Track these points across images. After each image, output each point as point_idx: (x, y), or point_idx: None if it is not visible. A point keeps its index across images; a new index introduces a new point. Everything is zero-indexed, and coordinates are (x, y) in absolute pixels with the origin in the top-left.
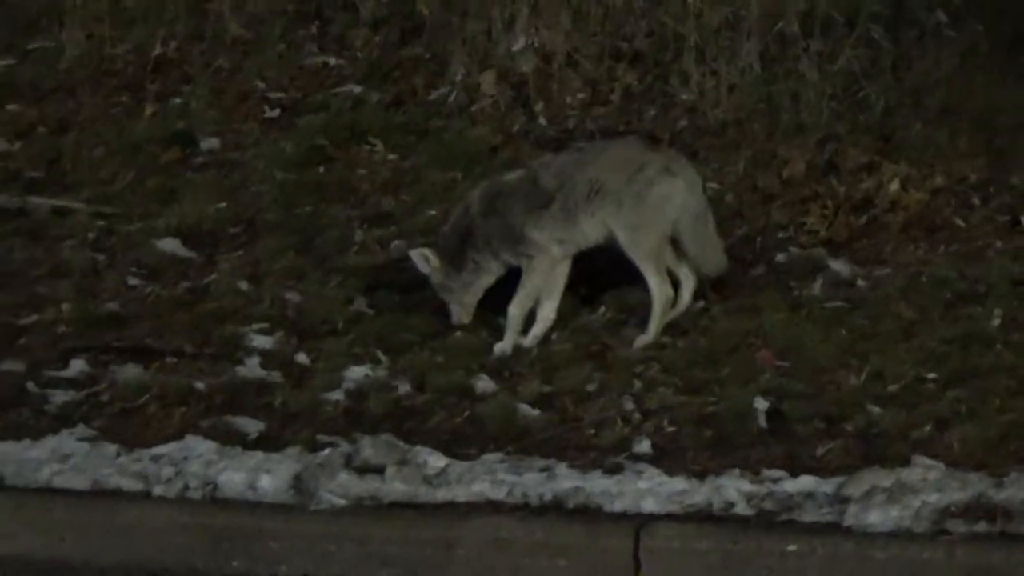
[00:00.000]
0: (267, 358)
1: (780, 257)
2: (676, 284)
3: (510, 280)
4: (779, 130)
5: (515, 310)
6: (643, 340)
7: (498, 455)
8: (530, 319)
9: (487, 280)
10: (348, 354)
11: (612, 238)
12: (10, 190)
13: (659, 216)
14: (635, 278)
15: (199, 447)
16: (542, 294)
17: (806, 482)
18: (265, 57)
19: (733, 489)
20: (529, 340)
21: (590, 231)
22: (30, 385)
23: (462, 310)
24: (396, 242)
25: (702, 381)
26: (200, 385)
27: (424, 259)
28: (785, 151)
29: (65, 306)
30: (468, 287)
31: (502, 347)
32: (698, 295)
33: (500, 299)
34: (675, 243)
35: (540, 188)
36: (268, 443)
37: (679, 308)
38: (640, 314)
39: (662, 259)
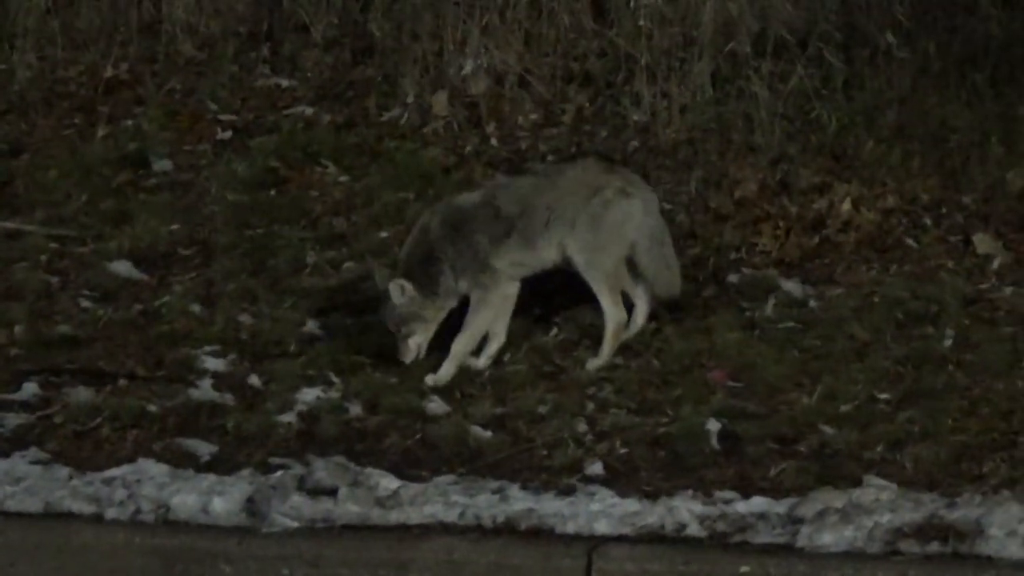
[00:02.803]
0: (220, 380)
1: (732, 277)
2: (630, 306)
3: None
4: (731, 150)
5: (460, 347)
6: (595, 363)
7: (451, 477)
8: (481, 340)
9: (452, 304)
10: (301, 376)
11: (568, 260)
12: None
13: (616, 238)
14: (588, 299)
15: (152, 470)
16: (496, 317)
17: (759, 503)
18: (217, 79)
19: (686, 510)
20: (483, 361)
21: (547, 255)
22: None
23: (424, 343)
24: (348, 264)
25: (655, 402)
26: (153, 407)
27: (400, 289)
28: (737, 171)
29: (17, 328)
30: (439, 313)
31: (435, 379)
32: (652, 316)
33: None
34: (631, 264)
35: (501, 216)
36: (220, 465)
37: (632, 330)
38: (593, 335)
39: (618, 282)
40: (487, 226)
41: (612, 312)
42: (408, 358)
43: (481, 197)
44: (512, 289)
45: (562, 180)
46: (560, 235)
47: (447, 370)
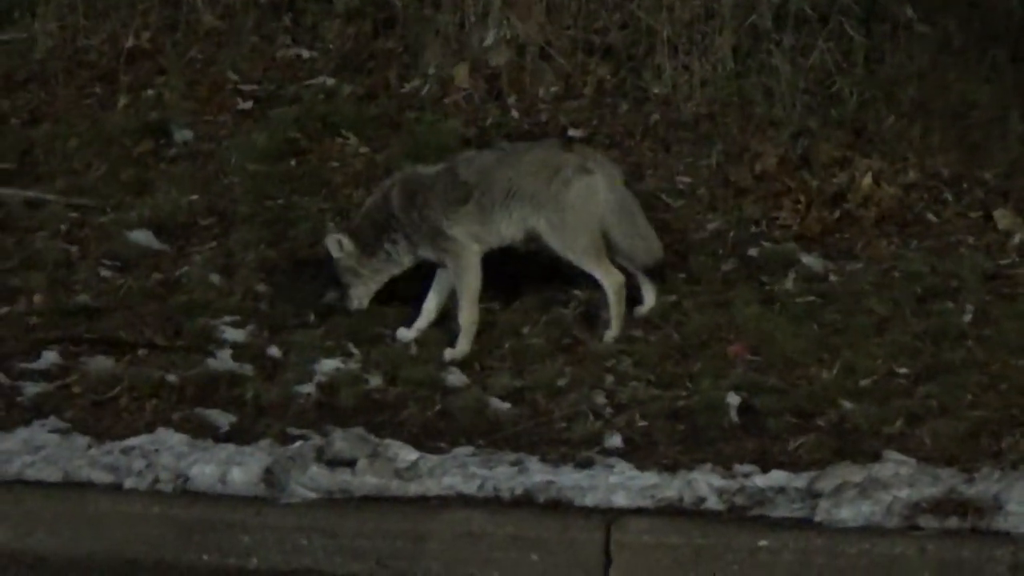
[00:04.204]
0: (239, 351)
1: (752, 251)
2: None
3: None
4: (752, 124)
5: (465, 318)
6: (611, 334)
7: (469, 449)
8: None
9: (395, 270)
10: (320, 347)
11: (528, 239)
12: None
13: (583, 214)
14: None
15: (170, 439)
16: (441, 289)
17: (777, 477)
18: (239, 49)
19: (704, 483)
20: (411, 334)
21: (505, 230)
22: (1, 377)
23: (363, 297)
24: None
25: (674, 375)
26: (172, 377)
27: (338, 244)
28: (758, 145)
29: (37, 297)
30: (376, 274)
31: (452, 353)
32: (657, 276)
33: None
34: (606, 240)
35: (459, 182)
36: (239, 436)
37: (646, 307)
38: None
39: (601, 252)
40: (445, 192)
41: (607, 280)
42: (351, 307)
43: (443, 167)
44: (476, 248)
45: (524, 158)
46: (522, 214)
47: (462, 344)
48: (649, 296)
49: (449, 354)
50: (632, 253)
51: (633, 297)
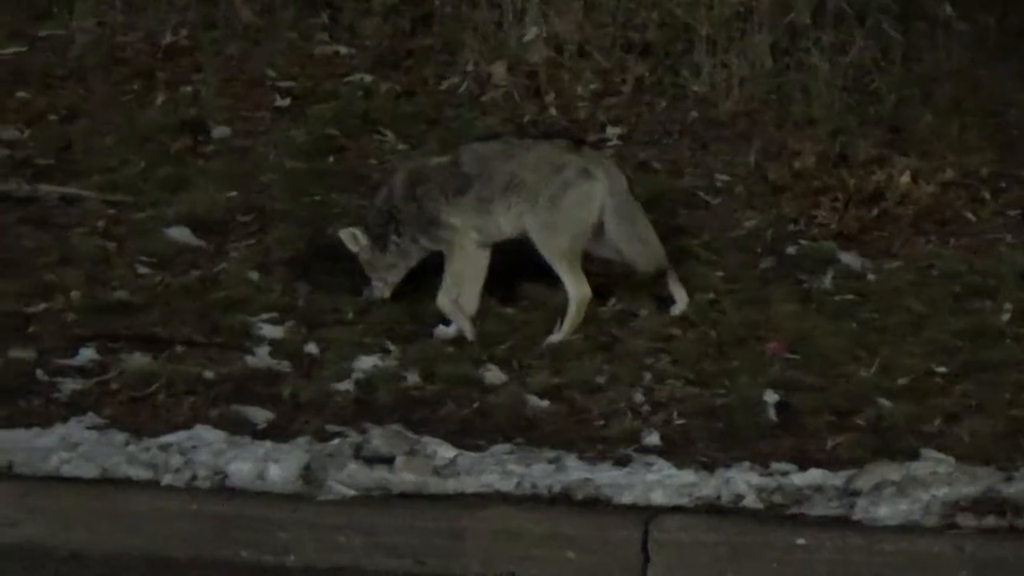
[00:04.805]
0: (276, 347)
1: (790, 249)
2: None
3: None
4: (790, 122)
5: (442, 299)
6: (554, 337)
7: (507, 446)
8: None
9: (409, 262)
10: (357, 344)
11: (525, 234)
12: (19, 177)
13: (574, 218)
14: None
15: (208, 436)
16: (464, 284)
17: (815, 475)
18: (276, 45)
19: (742, 482)
20: (451, 330)
21: (504, 224)
22: (39, 373)
23: (385, 287)
24: None
25: (712, 373)
26: (209, 374)
27: (353, 238)
28: (796, 143)
29: (74, 294)
30: (392, 267)
31: (446, 331)
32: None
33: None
34: (607, 244)
35: (460, 172)
36: (277, 433)
37: (678, 308)
38: (651, 306)
39: (577, 260)
40: (446, 182)
41: (573, 288)
42: (374, 296)
43: (447, 160)
44: (479, 249)
45: (529, 154)
46: (519, 208)
47: (457, 321)
48: (680, 294)
49: (440, 332)
50: (633, 259)
51: (664, 297)
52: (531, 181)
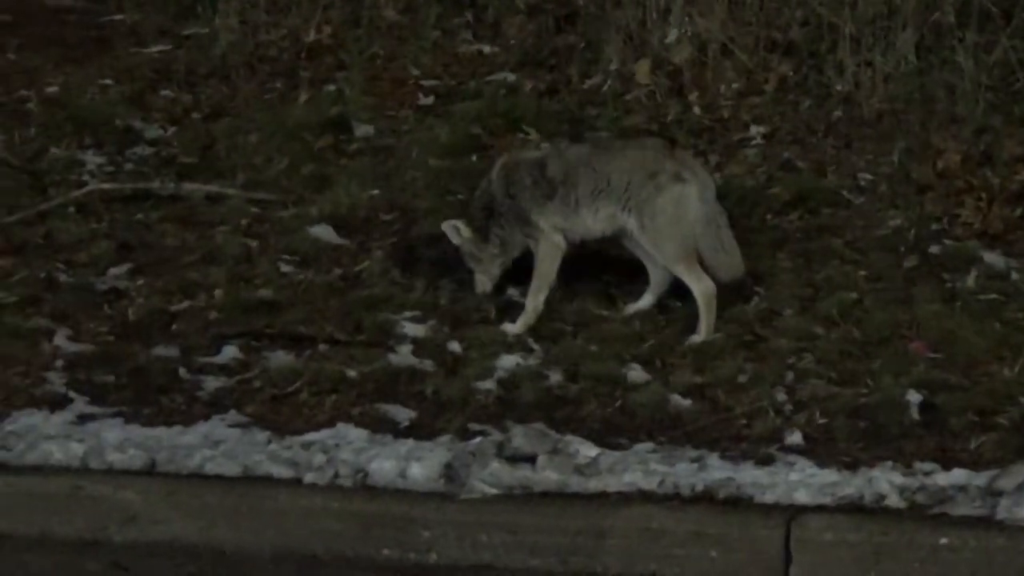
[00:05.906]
0: (419, 346)
1: (934, 249)
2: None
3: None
4: (934, 121)
5: (530, 301)
6: (696, 338)
7: (650, 445)
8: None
9: (513, 253)
10: (500, 343)
11: (619, 234)
12: (164, 176)
13: (673, 221)
14: (790, 266)
15: (350, 434)
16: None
17: (958, 475)
18: (420, 44)
19: (885, 481)
20: (519, 327)
21: (593, 224)
22: (182, 371)
23: (487, 280)
24: None
25: (854, 372)
26: (352, 372)
27: (455, 230)
28: (940, 142)
29: (217, 292)
30: (495, 259)
31: (511, 328)
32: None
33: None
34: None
35: (546, 177)
36: (419, 431)
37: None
38: (795, 304)
39: (692, 258)
40: (533, 185)
41: (695, 286)
42: (477, 290)
43: (539, 156)
44: (559, 240)
45: (619, 157)
46: (610, 211)
47: (522, 322)
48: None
49: (507, 328)
50: (715, 267)
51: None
52: (622, 184)
